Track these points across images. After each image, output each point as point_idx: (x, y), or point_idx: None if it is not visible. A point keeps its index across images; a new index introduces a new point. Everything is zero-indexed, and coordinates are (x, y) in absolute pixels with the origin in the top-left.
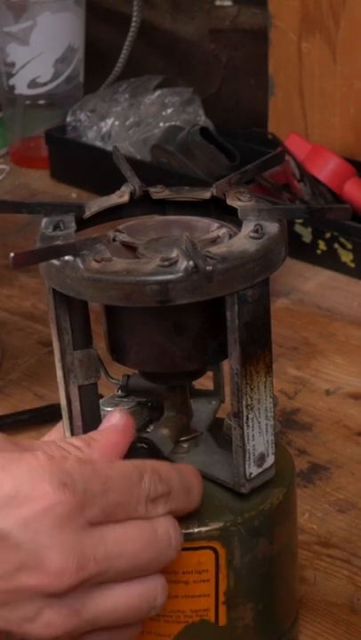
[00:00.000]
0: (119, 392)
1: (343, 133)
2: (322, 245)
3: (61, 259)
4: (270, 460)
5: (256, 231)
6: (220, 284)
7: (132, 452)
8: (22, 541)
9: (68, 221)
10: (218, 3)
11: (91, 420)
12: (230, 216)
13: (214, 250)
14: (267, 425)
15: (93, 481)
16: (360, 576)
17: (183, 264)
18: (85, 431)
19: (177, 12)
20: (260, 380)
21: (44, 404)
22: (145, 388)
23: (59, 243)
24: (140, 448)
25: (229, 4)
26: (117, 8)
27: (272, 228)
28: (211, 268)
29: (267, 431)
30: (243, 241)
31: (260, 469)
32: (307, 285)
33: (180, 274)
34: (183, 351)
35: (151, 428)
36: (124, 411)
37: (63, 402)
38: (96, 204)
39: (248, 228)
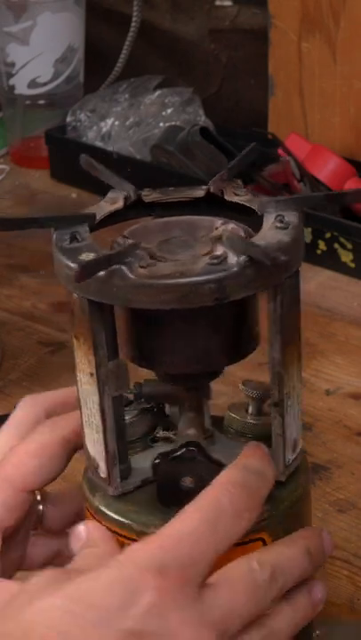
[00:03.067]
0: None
1: (343, 133)
2: (322, 245)
3: (108, 268)
4: (300, 444)
5: (281, 221)
6: (270, 275)
7: (185, 463)
8: (155, 630)
9: (82, 232)
10: (218, 3)
11: (120, 433)
12: (226, 212)
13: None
14: (298, 411)
15: (177, 551)
16: (360, 576)
17: (234, 259)
18: (119, 446)
19: (177, 12)
20: (293, 367)
21: None
22: (162, 393)
23: (108, 252)
24: (193, 458)
25: (229, 3)
26: (117, 8)
27: (292, 217)
28: (286, 258)
29: (298, 417)
30: (273, 232)
31: (294, 455)
32: (307, 285)
33: (235, 269)
34: (220, 348)
35: (161, 433)
36: (83, 526)
37: (95, 418)
38: (97, 213)
39: (270, 219)
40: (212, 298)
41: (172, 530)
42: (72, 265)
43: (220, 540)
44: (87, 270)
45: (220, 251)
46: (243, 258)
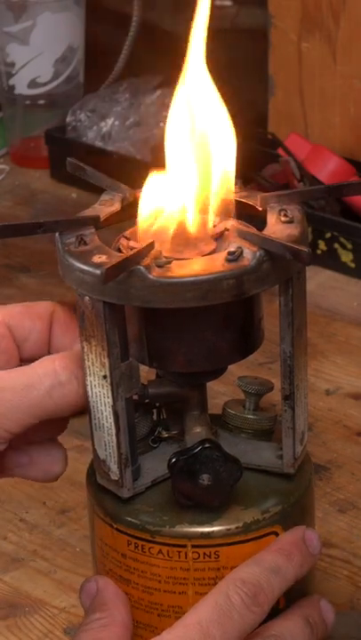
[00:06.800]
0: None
1: (343, 133)
2: (322, 245)
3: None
4: (306, 436)
5: (285, 215)
6: (283, 268)
7: (203, 461)
8: None
9: (88, 234)
10: (218, 3)
11: (131, 435)
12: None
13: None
14: (305, 403)
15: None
16: (360, 576)
17: (249, 254)
18: (131, 447)
19: (177, 12)
20: (301, 360)
21: None
22: (167, 393)
23: (131, 253)
24: (210, 455)
25: (229, 4)
26: (117, 8)
27: (296, 212)
28: (309, 250)
29: (305, 409)
30: (281, 226)
31: (302, 447)
32: (307, 285)
33: (253, 264)
34: (230, 344)
35: (164, 433)
36: (94, 582)
37: (107, 421)
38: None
39: (274, 214)
40: (232, 294)
41: (182, 621)
42: (87, 268)
43: (228, 631)
44: (114, 272)
45: (233, 247)
46: (260, 252)
